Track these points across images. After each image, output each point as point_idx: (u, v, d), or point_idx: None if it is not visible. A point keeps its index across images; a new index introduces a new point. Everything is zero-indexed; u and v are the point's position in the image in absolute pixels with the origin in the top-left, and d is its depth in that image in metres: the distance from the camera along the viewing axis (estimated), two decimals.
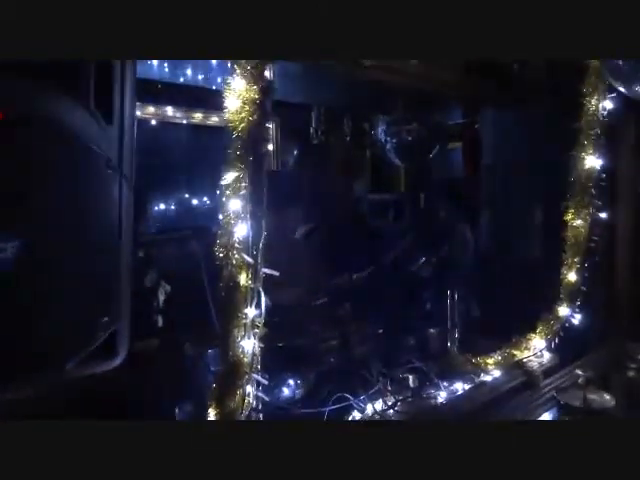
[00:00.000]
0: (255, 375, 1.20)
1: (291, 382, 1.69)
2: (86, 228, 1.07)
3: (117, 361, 1.27)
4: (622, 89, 2.08)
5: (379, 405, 1.67)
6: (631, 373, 2.30)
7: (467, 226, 2.91)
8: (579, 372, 2.12)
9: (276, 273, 1.26)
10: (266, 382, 1.23)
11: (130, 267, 1.35)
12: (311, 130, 2.86)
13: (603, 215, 2.33)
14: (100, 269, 1.14)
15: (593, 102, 2.26)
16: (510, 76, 2.60)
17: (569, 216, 2.30)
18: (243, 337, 1.22)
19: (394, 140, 3.06)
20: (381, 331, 2.09)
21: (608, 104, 2.26)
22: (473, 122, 3.04)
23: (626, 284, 2.72)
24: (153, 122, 2.73)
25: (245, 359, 1.20)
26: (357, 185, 3.27)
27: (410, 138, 3.11)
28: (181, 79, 2.49)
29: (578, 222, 2.30)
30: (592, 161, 2.28)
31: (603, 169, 2.31)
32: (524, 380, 2.05)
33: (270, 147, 3.32)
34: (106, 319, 1.12)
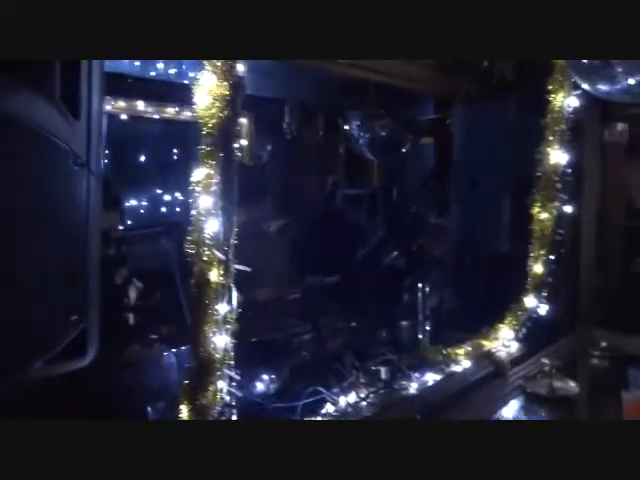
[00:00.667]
0: (227, 371, 1.21)
1: (265, 377, 1.70)
2: (52, 225, 1.06)
3: (87, 360, 1.26)
4: (586, 87, 2.15)
5: (352, 397, 1.70)
6: (595, 360, 2.39)
7: (440, 219, 2.97)
8: (545, 361, 2.20)
9: (247, 269, 1.27)
10: (238, 377, 1.24)
11: (99, 264, 1.34)
12: (284, 125, 2.86)
13: (569, 208, 2.42)
14: (67, 266, 1.13)
15: (559, 99, 2.33)
16: (480, 73, 2.65)
17: (536, 209, 2.37)
18: (215, 333, 1.23)
19: (367, 135, 3.09)
20: (354, 324, 2.12)
21: (573, 101, 2.33)
22: (444, 118, 3.09)
23: (590, 275, 2.82)
24: (124, 117, 2.69)
25: (217, 355, 1.21)
26: (331, 180, 3.29)
27: (383, 133, 3.14)
28: (152, 73, 2.45)
29: (544, 215, 2.37)
30: (558, 156, 2.35)
31: (569, 164, 2.39)
32: (493, 370, 2.11)
33: (244, 142, 3.30)
34: (75, 317, 1.11)
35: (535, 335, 2.31)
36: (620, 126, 2.83)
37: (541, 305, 2.36)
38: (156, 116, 2.78)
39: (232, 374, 1.21)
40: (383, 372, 1.82)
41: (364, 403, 1.68)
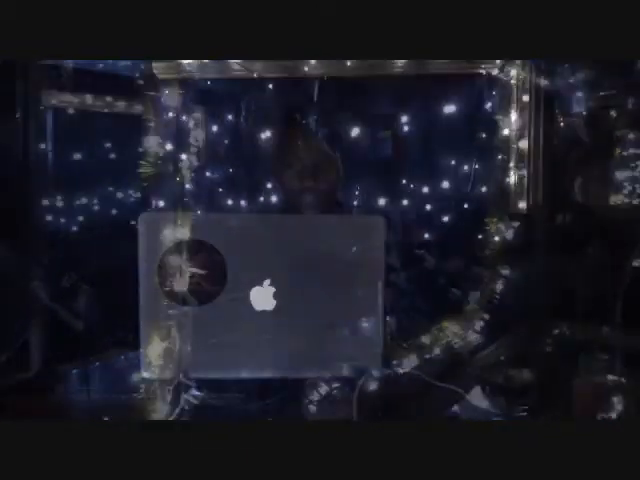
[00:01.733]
0: (182, 377, 1.17)
1: (226, 378, 1.67)
2: None
3: (31, 372, 1.20)
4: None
5: (314, 396, 1.70)
6: (548, 349, 2.47)
7: (399, 211, 3.00)
8: (501, 350, 2.27)
9: (202, 272, 1.23)
10: (193, 384, 1.20)
11: (42, 268, 1.28)
12: (241, 119, 2.81)
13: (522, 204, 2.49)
14: (6, 272, 1.07)
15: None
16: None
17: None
18: (170, 338, 1.19)
19: (326, 130, 3.07)
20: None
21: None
22: (402, 112, 3.12)
23: (544, 265, 2.91)
24: (71, 111, 2.57)
25: (172, 361, 1.17)
26: (291, 175, 3.25)
27: (343, 128, 3.13)
28: (100, 65, 2.34)
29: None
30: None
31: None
32: (452, 360, 2.15)
33: (200, 137, 3.21)
34: (15, 328, 1.05)
35: (492, 325, 2.37)
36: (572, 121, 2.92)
37: (497, 296, 2.42)
38: (106, 110, 2.67)
39: (186, 381, 1.18)
40: (345, 369, 1.82)
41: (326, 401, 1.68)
